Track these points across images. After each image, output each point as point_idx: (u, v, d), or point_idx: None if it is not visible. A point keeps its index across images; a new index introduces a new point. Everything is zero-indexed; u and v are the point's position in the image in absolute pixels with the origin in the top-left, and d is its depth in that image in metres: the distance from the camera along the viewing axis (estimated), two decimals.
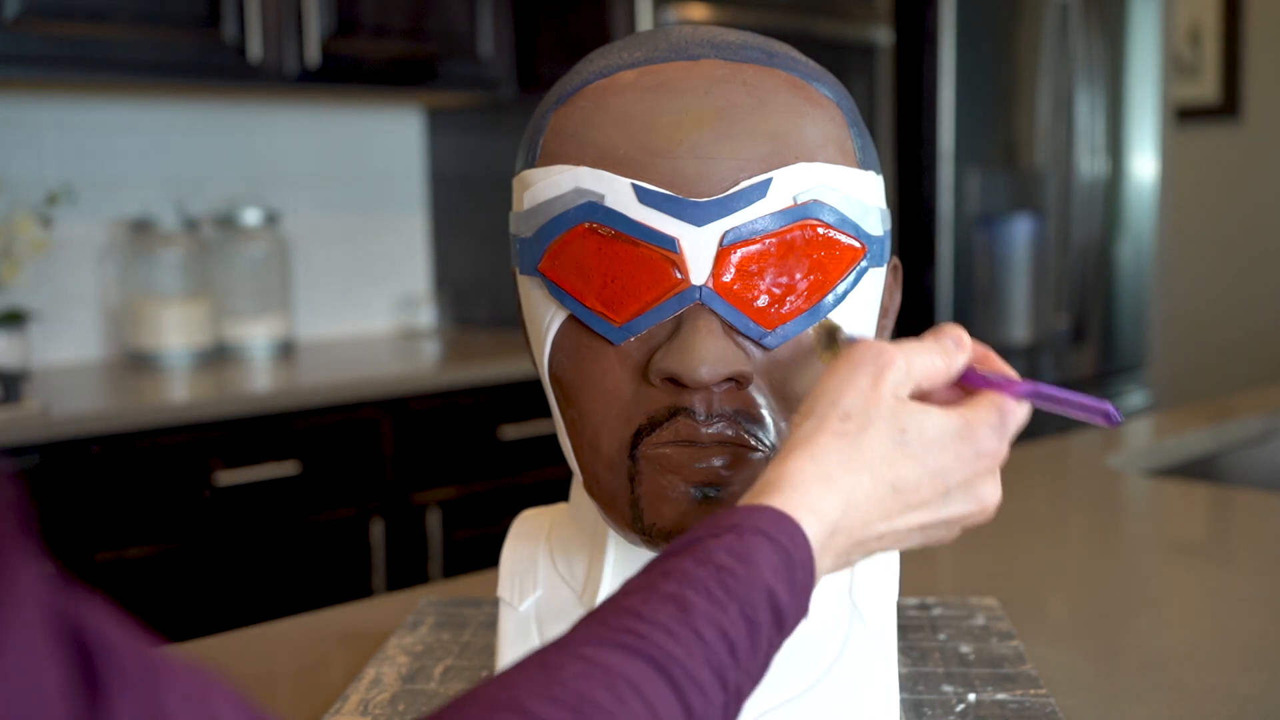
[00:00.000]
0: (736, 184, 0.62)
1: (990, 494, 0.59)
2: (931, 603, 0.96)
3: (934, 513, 0.58)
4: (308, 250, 2.78)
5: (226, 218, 2.55)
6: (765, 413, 0.63)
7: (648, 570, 0.52)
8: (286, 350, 2.58)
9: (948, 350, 0.59)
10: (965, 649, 0.86)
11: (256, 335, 2.53)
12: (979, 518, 0.59)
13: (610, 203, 0.62)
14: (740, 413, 0.62)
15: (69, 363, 2.48)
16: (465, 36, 2.59)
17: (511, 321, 2.75)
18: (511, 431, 2.40)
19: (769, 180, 0.62)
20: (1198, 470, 1.71)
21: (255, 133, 2.71)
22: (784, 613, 0.52)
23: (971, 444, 0.57)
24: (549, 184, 0.65)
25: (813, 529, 0.54)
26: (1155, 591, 1.11)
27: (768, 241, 0.62)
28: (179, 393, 2.15)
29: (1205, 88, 4.36)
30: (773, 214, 0.62)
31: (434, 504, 2.31)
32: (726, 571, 0.51)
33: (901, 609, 0.93)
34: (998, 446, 0.58)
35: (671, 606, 0.49)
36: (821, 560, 0.55)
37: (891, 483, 0.56)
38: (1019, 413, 0.59)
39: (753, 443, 0.63)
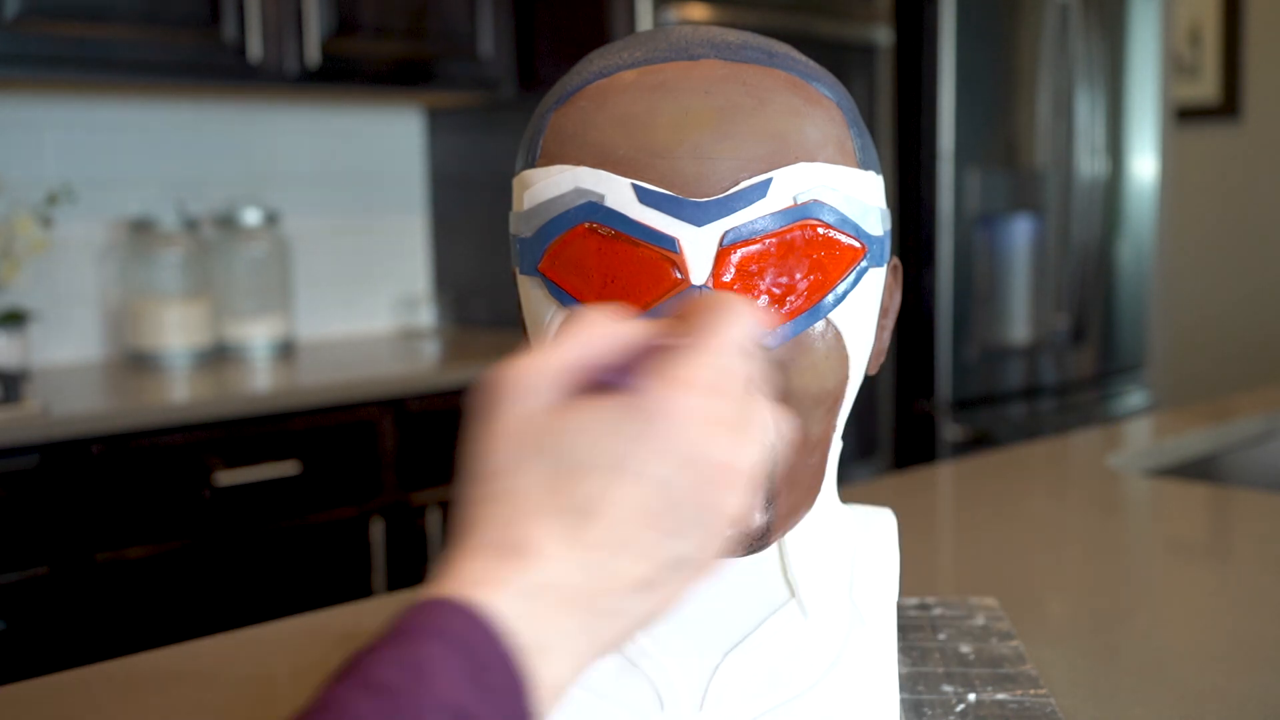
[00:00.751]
0: (736, 184, 0.62)
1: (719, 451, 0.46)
2: (931, 603, 0.96)
3: (656, 496, 0.45)
4: (308, 250, 2.78)
5: (226, 218, 2.55)
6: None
7: (310, 701, 0.42)
8: (286, 350, 2.58)
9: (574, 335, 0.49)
10: (965, 649, 0.86)
11: (256, 335, 2.53)
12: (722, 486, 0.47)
13: (610, 203, 0.62)
14: None
15: (69, 363, 2.48)
16: (465, 36, 2.59)
17: (511, 321, 2.75)
18: None
19: (769, 180, 0.62)
20: (1198, 470, 1.71)
21: (255, 133, 2.71)
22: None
23: (641, 412, 0.45)
24: (549, 184, 0.65)
25: (501, 604, 0.43)
26: (1155, 591, 1.11)
27: (768, 241, 0.62)
28: (179, 393, 2.15)
29: (1205, 88, 4.36)
30: (773, 214, 0.62)
31: (434, 504, 2.31)
32: (389, 694, 0.40)
33: (901, 609, 0.93)
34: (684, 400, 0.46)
35: None
36: (535, 634, 0.43)
37: (570, 507, 0.45)
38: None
39: None
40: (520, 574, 0.44)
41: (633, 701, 0.69)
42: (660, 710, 0.69)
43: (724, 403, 0.46)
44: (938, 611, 0.94)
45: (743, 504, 0.47)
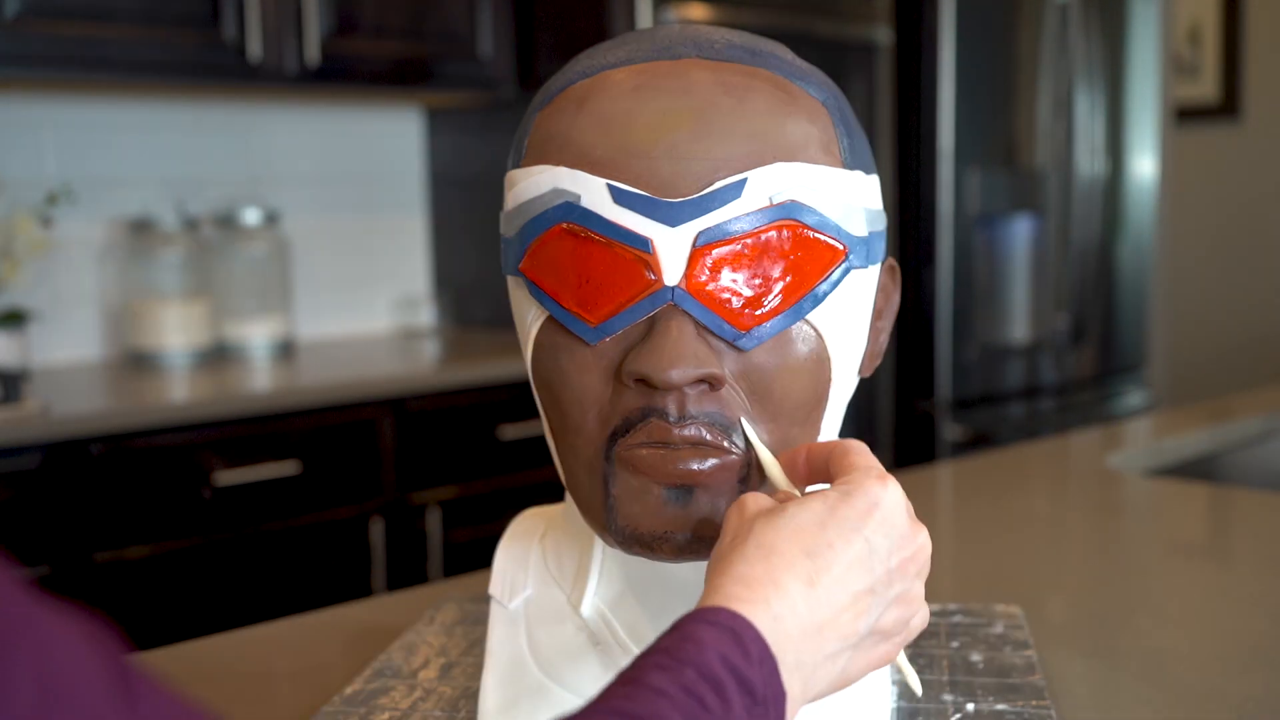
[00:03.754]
0: (711, 184, 0.61)
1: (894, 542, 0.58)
2: (953, 609, 0.95)
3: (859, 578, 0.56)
4: (308, 250, 2.78)
5: (226, 218, 2.55)
6: (740, 415, 0.63)
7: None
8: (286, 350, 2.58)
9: None
10: (975, 657, 0.85)
11: (256, 335, 2.53)
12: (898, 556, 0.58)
13: (586, 203, 0.62)
14: (713, 415, 0.62)
15: (69, 363, 2.48)
16: (465, 36, 2.59)
17: (511, 321, 2.75)
18: (511, 431, 2.40)
19: (744, 180, 0.61)
20: (1198, 470, 1.71)
21: (255, 133, 2.71)
22: (748, 679, 0.51)
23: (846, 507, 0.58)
24: (530, 184, 0.65)
25: (757, 616, 0.53)
26: (1155, 591, 1.11)
27: (743, 242, 0.61)
28: (179, 393, 2.15)
29: (1205, 88, 4.36)
30: (748, 214, 0.61)
31: (434, 504, 2.31)
32: (669, 652, 0.51)
33: None
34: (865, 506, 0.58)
35: (625, 687, 0.49)
36: (783, 649, 0.53)
37: (806, 551, 0.56)
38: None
39: (725, 445, 0.62)
40: (770, 600, 0.54)
41: None
42: None
43: (906, 500, 0.60)
44: (957, 619, 0.93)
45: (920, 595, 0.60)
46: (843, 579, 0.56)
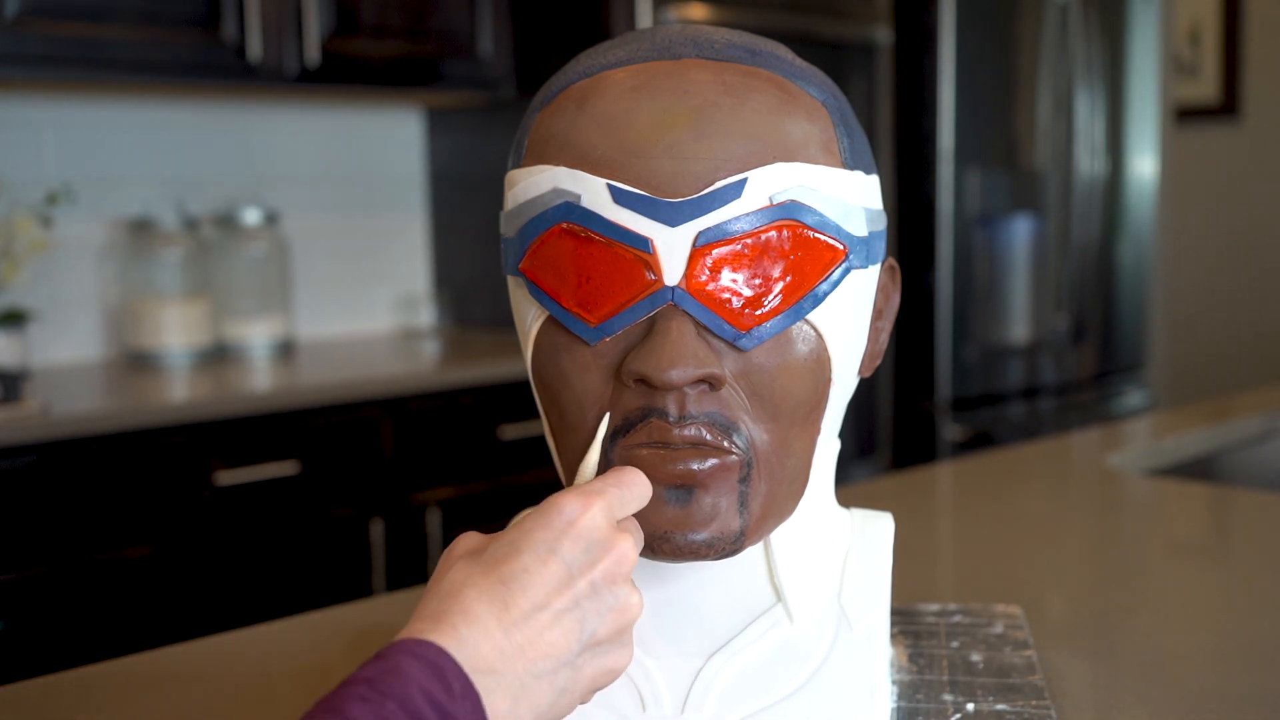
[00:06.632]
0: (712, 184, 0.61)
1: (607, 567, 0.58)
2: (953, 609, 0.95)
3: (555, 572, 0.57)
4: (308, 250, 2.78)
5: (226, 218, 2.55)
6: (740, 415, 0.63)
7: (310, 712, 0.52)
8: (286, 350, 2.58)
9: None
10: (975, 657, 0.85)
11: (256, 335, 2.53)
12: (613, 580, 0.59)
13: (586, 203, 0.62)
14: (713, 415, 0.62)
15: (69, 363, 2.48)
16: (465, 36, 2.59)
17: (511, 321, 2.75)
18: (511, 431, 2.40)
19: (744, 180, 0.61)
20: (1198, 470, 1.71)
21: (255, 133, 2.71)
22: (451, 714, 0.52)
23: (549, 512, 0.59)
24: (530, 184, 0.65)
25: (454, 647, 0.54)
26: (1155, 591, 1.11)
27: (743, 242, 0.61)
28: (179, 392, 2.15)
29: (1205, 88, 4.36)
30: (748, 214, 0.61)
31: (434, 504, 2.31)
32: (371, 683, 0.52)
33: (919, 615, 0.92)
34: (576, 509, 0.59)
35: (324, 716, 0.50)
36: (481, 674, 0.54)
37: (499, 577, 0.57)
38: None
39: (726, 445, 0.62)
40: (459, 628, 0.55)
41: (614, 702, 0.68)
42: (641, 711, 0.68)
43: (610, 514, 0.60)
44: (957, 619, 0.93)
45: (634, 601, 0.60)
46: (541, 600, 0.57)
